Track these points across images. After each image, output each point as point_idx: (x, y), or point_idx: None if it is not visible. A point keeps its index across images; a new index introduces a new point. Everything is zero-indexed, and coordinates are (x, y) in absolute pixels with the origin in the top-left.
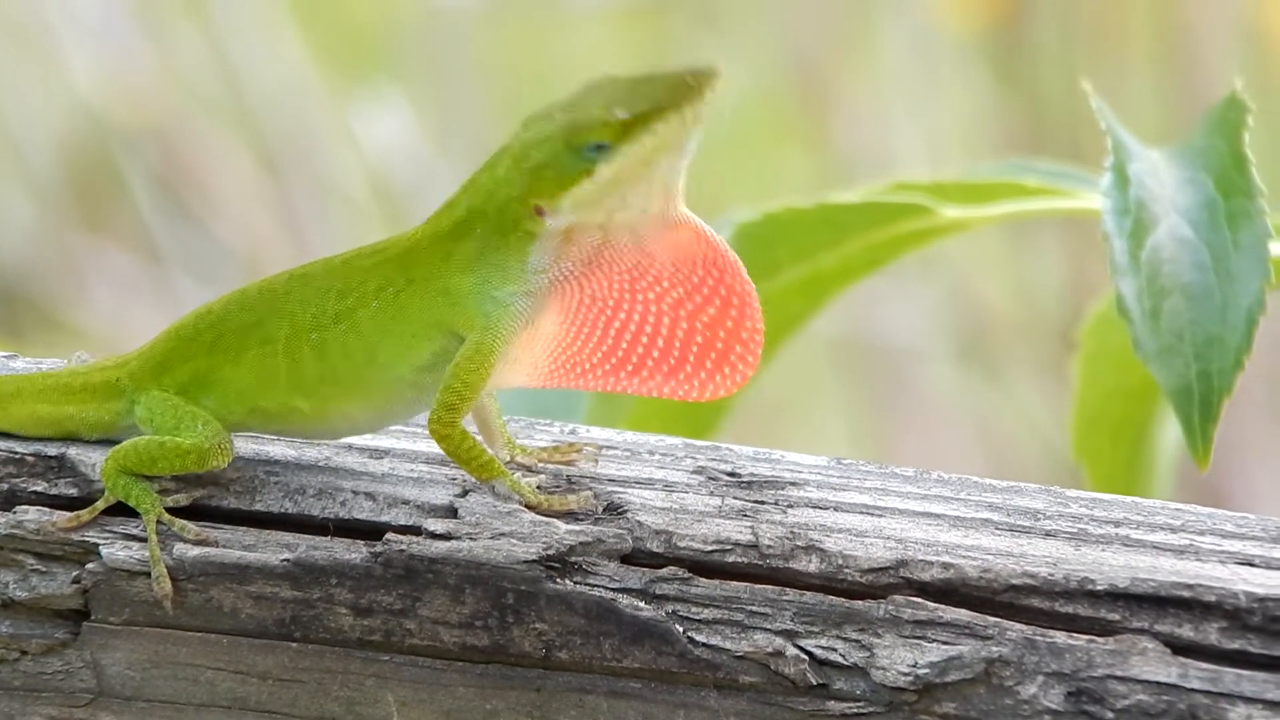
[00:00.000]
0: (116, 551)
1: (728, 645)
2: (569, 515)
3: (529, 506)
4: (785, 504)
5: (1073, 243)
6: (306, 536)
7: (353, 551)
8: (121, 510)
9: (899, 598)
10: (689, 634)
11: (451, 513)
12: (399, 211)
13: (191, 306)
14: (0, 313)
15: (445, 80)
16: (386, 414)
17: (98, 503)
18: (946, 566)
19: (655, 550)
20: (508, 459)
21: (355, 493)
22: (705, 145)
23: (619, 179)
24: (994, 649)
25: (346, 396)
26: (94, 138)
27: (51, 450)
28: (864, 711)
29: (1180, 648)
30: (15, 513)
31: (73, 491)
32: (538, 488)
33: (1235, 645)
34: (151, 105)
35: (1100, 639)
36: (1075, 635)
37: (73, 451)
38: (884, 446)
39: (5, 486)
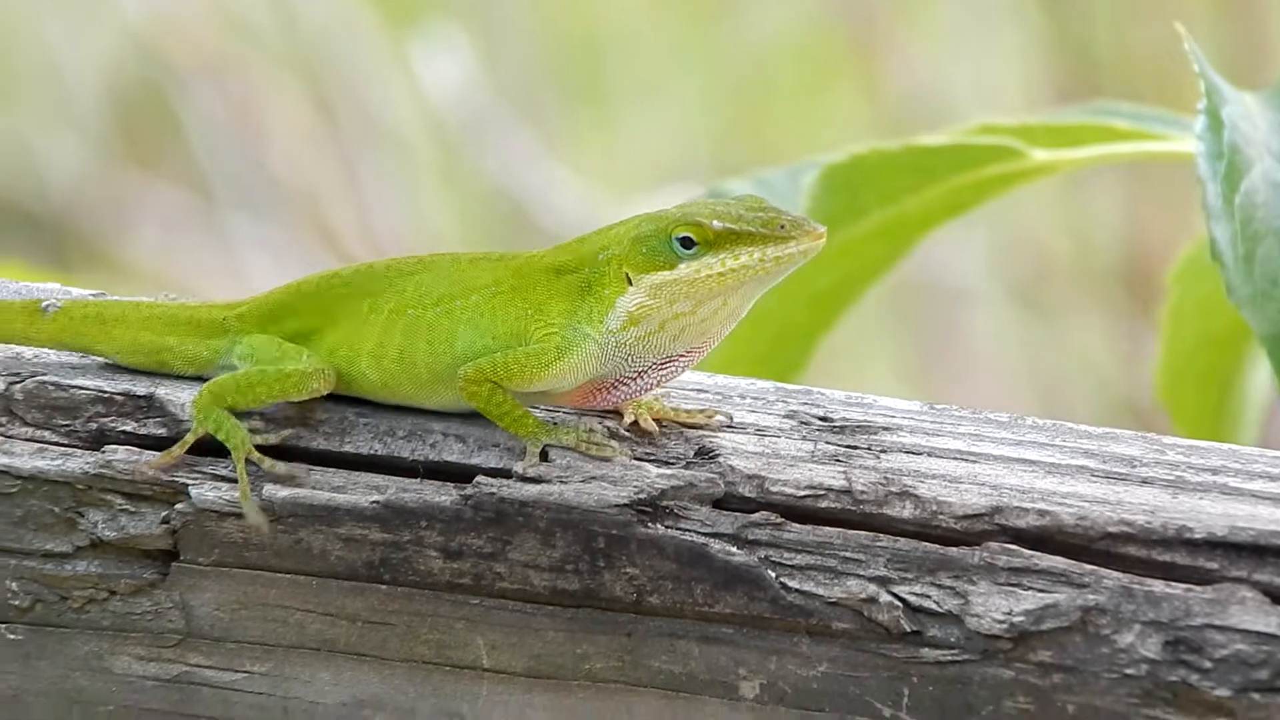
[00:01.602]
0: (205, 492)
1: (820, 591)
2: (605, 460)
3: (568, 448)
4: (878, 449)
5: (1133, 187)
6: (396, 479)
7: (443, 494)
8: (211, 450)
9: (994, 545)
10: (781, 580)
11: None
12: (451, 150)
13: (242, 243)
14: (50, 248)
15: (499, 18)
16: (443, 404)
17: (186, 436)
18: (1042, 514)
19: (747, 495)
20: (629, 423)
21: (445, 435)
22: (757, 89)
23: (695, 284)
24: (1090, 597)
25: (414, 379)
26: (145, 74)
27: (140, 390)
28: (958, 659)
29: None
30: (104, 452)
31: (161, 432)
32: (589, 429)
33: None
34: (203, 41)
35: (1198, 588)
36: (1173, 584)
37: (161, 391)
38: (935, 390)
39: (94, 426)
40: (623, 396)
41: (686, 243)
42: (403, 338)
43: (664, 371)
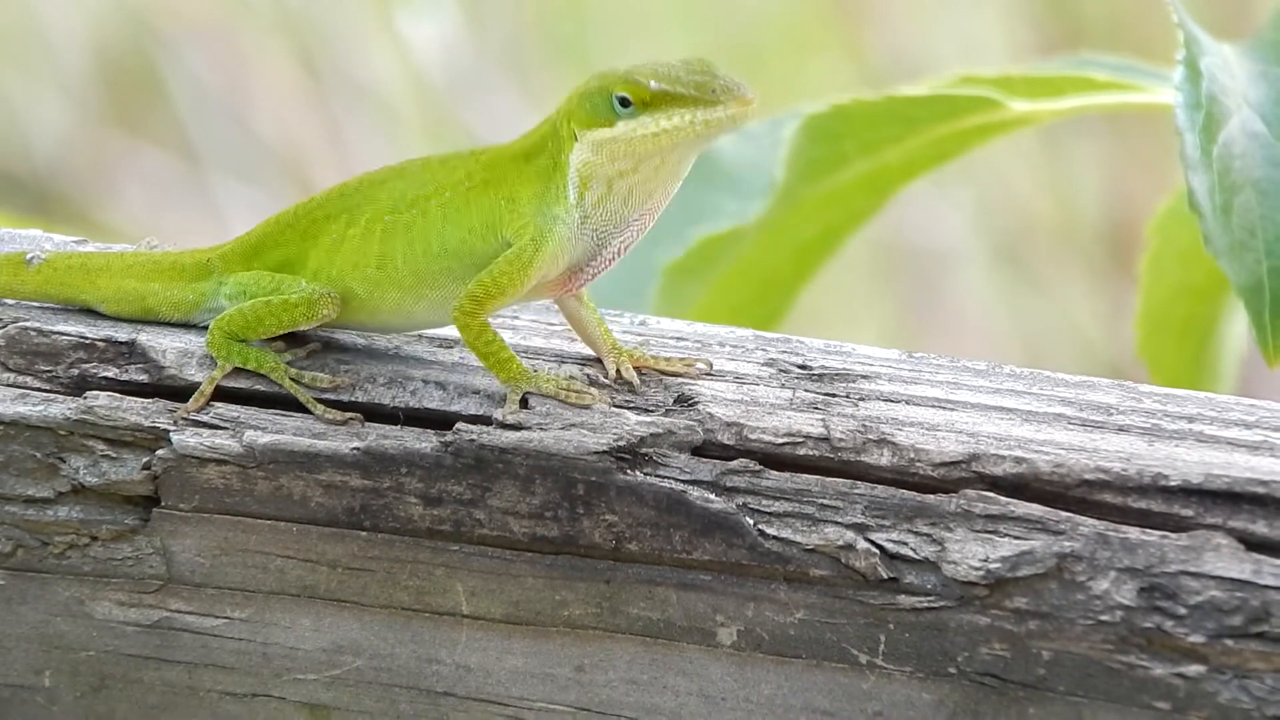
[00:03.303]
0: (187, 438)
1: (798, 538)
2: (584, 408)
3: (548, 396)
4: (857, 397)
5: (1112, 143)
6: (376, 425)
7: (423, 441)
8: (224, 395)
9: (971, 492)
10: (759, 526)
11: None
12: (436, 111)
13: (227, 205)
14: (34, 209)
15: None
16: (431, 308)
17: (214, 372)
18: (1019, 461)
19: (726, 442)
20: (613, 374)
21: (425, 382)
22: (741, 50)
23: (631, 143)
24: (1066, 544)
25: (398, 283)
26: (131, 35)
27: (122, 336)
28: (934, 605)
29: (1254, 544)
30: (86, 398)
31: (143, 378)
32: (569, 377)
33: None
34: (190, 3)
35: (1173, 535)
36: (1148, 531)
37: (143, 337)
38: (915, 348)
39: (76, 372)
40: (590, 275)
41: (624, 102)
42: (381, 244)
43: (622, 238)
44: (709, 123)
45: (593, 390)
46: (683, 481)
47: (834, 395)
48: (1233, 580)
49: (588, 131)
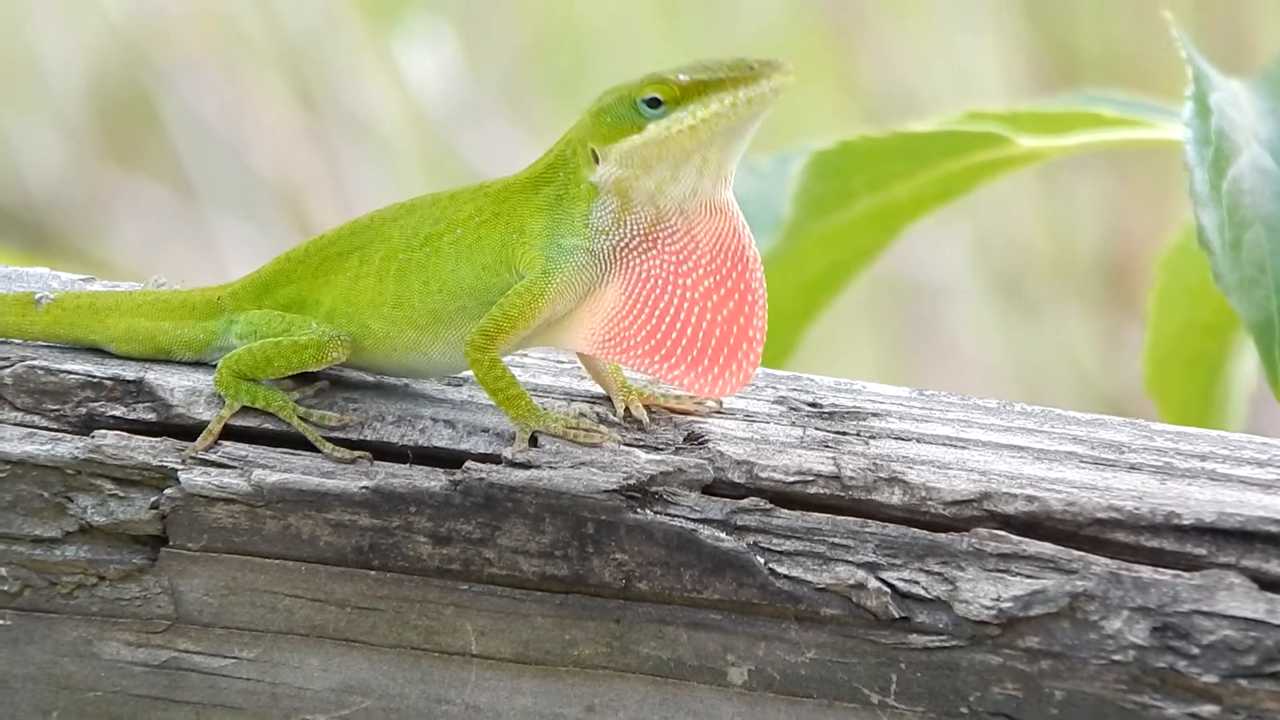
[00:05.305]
0: (195, 477)
1: (809, 577)
2: (593, 447)
3: (557, 435)
4: (867, 435)
5: (1114, 179)
6: (385, 464)
7: (432, 479)
8: (231, 434)
9: (982, 530)
10: (770, 565)
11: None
12: (434, 145)
13: (225, 241)
14: (30, 244)
15: (481, 11)
16: (447, 349)
17: (222, 411)
18: (1031, 499)
19: (736, 481)
20: (622, 412)
21: (434, 420)
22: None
23: (667, 143)
24: (1078, 583)
25: (414, 323)
26: (127, 70)
27: (130, 374)
28: (946, 645)
29: (1268, 583)
30: (94, 437)
31: (151, 416)
32: (579, 415)
33: None
34: (185, 37)
35: (1186, 574)
36: (1161, 570)
37: (151, 376)
38: (918, 384)
39: (84, 410)
40: (648, 361)
41: (654, 104)
42: (396, 283)
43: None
44: (752, 100)
45: (602, 428)
46: (693, 520)
47: (844, 433)
48: (1246, 619)
49: (613, 145)
